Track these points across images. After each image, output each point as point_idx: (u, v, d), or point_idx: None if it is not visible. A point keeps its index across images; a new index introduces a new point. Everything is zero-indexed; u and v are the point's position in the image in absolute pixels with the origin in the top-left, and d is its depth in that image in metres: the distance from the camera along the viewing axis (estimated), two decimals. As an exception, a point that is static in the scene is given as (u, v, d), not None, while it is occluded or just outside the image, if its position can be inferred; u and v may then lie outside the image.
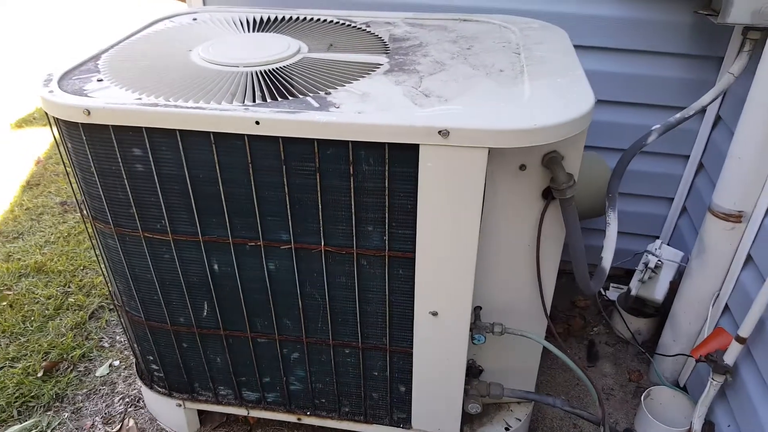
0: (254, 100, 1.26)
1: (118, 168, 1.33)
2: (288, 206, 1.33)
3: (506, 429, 1.77)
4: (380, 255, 1.37)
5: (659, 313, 2.25)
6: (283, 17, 1.82)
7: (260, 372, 1.67)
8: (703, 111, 1.83)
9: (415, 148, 1.18)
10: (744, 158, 1.61)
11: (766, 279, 1.49)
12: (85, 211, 1.50)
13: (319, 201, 1.31)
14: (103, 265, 1.61)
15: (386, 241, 1.35)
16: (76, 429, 1.94)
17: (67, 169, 1.46)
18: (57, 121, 1.33)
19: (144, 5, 7.11)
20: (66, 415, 2.00)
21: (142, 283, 1.54)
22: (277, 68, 1.43)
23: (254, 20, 1.79)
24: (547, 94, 1.27)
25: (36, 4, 7.48)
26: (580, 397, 2.10)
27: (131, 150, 1.30)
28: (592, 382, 1.60)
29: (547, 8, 2.01)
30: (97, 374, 2.15)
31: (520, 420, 1.80)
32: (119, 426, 1.95)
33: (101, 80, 1.38)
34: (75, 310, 2.43)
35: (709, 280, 1.83)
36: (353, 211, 1.31)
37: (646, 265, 2.14)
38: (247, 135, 1.23)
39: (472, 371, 1.72)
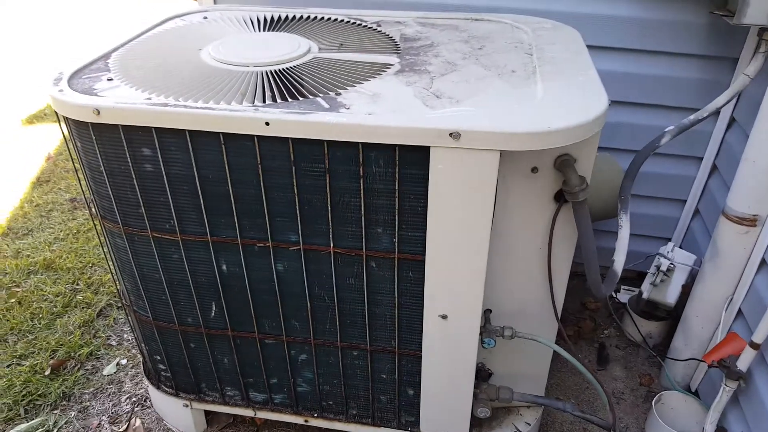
0: (264, 101, 1.25)
1: (128, 168, 1.32)
2: (297, 207, 1.32)
3: (515, 433, 1.76)
4: (390, 257, 1.36)
5: (671, 316, 2.23)
6: (294, 16, 1.81)
7: (268, 373, 1.66)
8: (717, 113, 1.81)
9: (425, 150, 1.17)
10: (759, 162, 1.59)
11: (782, 284, 1.47)
12: (94, 210, 1.49)
13: (329, 202, 1.29)
14: (111, 265, 1.61)
15: (396, 243, 1.33)
16: (83, 428, 1.95)
17: (77, 167, 1.45)
18: (67, 120, 1.33)
19: (145, 3, 7.12)
20: (73, 414, 2.00)
21: (150, 283, 1.53)
22: (287, 68, 1.41)
23: (265, 19, 1.78)
24: (560, 96, 1.25)
25: (40, 1, 7.51)
26: (590, 401, 2.08)
27: (141, 150, 1.29)
28: (603, 387, 1.58)
29: (559, 8, 1.99)
30: (105, 373, 2.15)
31: (529, 424, 1.79)
32: (126, 425, 1.95)
33: (111, 79, 1.38)
34: (83, 307, 2.43)
35: (722, 285, 1.81)
36: (363, 212, 1.30)
37: (658, 268, 2.11)
38: (257, 136, 1.22)
39: (482, 375, 1.70)
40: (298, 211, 1.32)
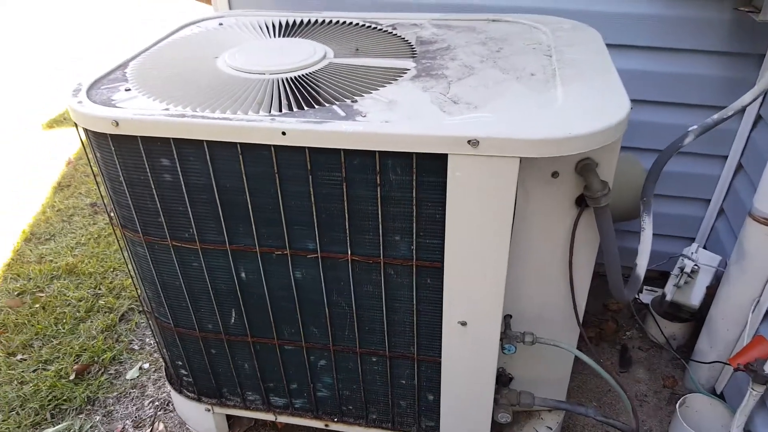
0: (281, 109, 1.24)
1: (147, 178, 1.33)
2: (314, 216, 1.31)
3: (536, 437, 1.75)
4: (408, 264, 1.35)
5: (694, 317, 2.19)
6: (309, 20, 1.80)
7: (287, 378, 1.66)
8: (742, 111, 1.77)
9: (443, 157, 1.16)
10: (787, 161, 1.55)
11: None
12: (114, 220, 1.51)
13: (346, 210, 1.29)
14: (132, 272, 1.62)
15: (414, 251, 1.32)
16: (107, 432, 1.98)
17: (97, 178, 1.47)
18: (86, 130, 1.34)
19: (145, 2, 7.18)
20: (97, 418, 2.03)
21: (170, 291, 1.54)
22: (303, 75, 1.41)
23: (280, 24, 1.78)
24: (580, 100, 1.23)
25: (44, 2, 7.59)
26: (612, 404, 2.05)
27: (159, 160, 1.30)
28: (626, 391, 1.56)
29: (579, 6, 1.95)
30: (128, 377, 2.17)
31: (551, 428, 1.77)
32: (149, 429, 1.97)
33: (129, 89, 1.38)
34: (105, 312, 2.46)
35: (748, 287, 1.77)
36: (380, 220, 1.29)
37: (681, 269, 2.08)
38: (274, 145, 1.22)
39: (502, 380, 1.69)
40: (315, 220, 1.32)
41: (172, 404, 2.05)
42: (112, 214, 1.51)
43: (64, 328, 2.37)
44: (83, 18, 6.92)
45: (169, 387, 1.87)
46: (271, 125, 1.18)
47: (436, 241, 1.29)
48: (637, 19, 1.93)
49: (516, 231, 1.38)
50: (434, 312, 1.42)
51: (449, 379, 1.53)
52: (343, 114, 1.22)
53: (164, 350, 1.75)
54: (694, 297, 2.07)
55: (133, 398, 2.10)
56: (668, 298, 2.14)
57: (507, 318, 1.57)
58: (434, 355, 1.50)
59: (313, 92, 1.32)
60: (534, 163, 1.28)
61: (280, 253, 1.40)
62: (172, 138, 1.25)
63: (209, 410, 1.80)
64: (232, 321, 1.56)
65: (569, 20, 1.74)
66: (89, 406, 2.08)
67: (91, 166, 1.43)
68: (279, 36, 1.69)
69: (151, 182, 1.34)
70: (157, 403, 2.08)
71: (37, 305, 2.49)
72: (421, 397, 1.61)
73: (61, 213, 3.18)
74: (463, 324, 1.40)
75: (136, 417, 2.03)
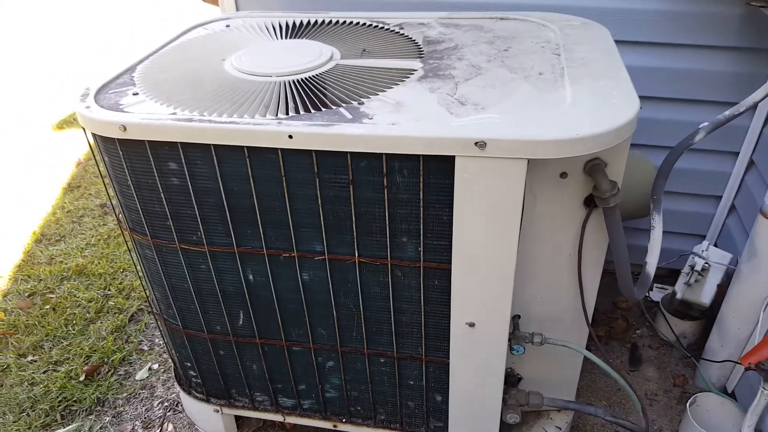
0: (287, 113, 1.24)
1: (155, 182, 1.33)
2: (321, 218, 1.31)
3: (546, 437, 1.74)
4: (415, 266, 1.35)
5: (705, 315, 2.17)
6: (316, 21, 1.80)
7: (296, 379, 1.67)
8: (754, 107, 1.75)
9: (450, 159, 1.15)
10: (799, 159, 1.53)
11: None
12: (123, 223, 1.51)
13: (353, 213, 1.29)
14: (141, 275, 1.63)
15: (421, 252, 1.32)
16: (118, 433, 1.99)
17: (105, 181, 1.47)
18: (94, 135, 1.34)
19: (145, 2, 7.19)
20: (107, 419, 2.04)
21: (179, 293, 1.55)
22: (309, 77, 1.41)
23: (287, 25, 1.78)
24: (589, 100, 1.22)
25: (44, 2, 7.62)
26: (622, 403, 2.04)
27: (167, 164, 1.30)
28: (636, 392, 1.55)
29: (588, 3, 1.94)
30: (137, 378, 2.18)
31: (560, 428, 1.76)
32: (158, 430, 1.98)
33: (137, 94, 1.39)
34: (115, 313, 2.48)
35: (760, 285, 1.75)
36: (387, 222, 1.28)
37: (692, 267, 2.06)
38: (281, 149, 1.21)
39: (511, 380, 1.68)
40: (322, 222, 1.32)
41: (181, 405, 2.06)
42: (121, 217, 1.51)
43: (74, 329, 2.39)
44: (83, 18, 6.94)
45: (178, 388, 1.88)
46: (278, 128, 1.18)
47: (444, 242, 1.29)
48: (648, 14, 1.91)
49: (524, 232, 1.37)
50: (442, 313, 1.41)
51: (457, 380, 1.53)
52: (349, 116, 1.21)
53: (173, 352, 1.76)
54: (705, 295, 2.06)
55: (142, 399, 2.11)
56: (679, 296, 2.12)
57: (515, 318, 1.56)
58: (442, 356, 1.49)
59: (320, 94, 1.32)
60: (542, 163, 1.27)
61: (287, 255, 1.40)
62: (180, 142, 1.25)
63: (218, 411, 1.80)
64: (240, 323, 1.56)
65: (578, 17, 1.72)
66: (99, 407, 2.09)
67: (99, 169, 1.44)
68: (286, 37, 1.69)
69: (159, 186, 1.34)
70: (166, 403, 2.09)
71: (48, 306, 2.51)
72: (429, 397, 1.61)
73: (71, 214, 3.20)
74: (471, 325, 1.40)
75: (145, 418, 2.04)
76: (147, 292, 1.70)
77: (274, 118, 1.22)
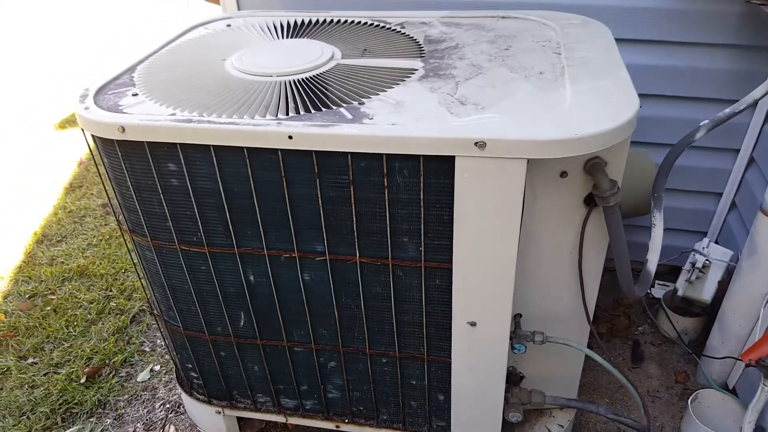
0: (287, 113, 1.24)
1: (154, 183, 1.33)
2: (322, 218, 1.31)
3: (548, 436, 1.74)
4: (416, 266, 1.34)
5: (706, 312, 2.17)
6: (317, 20, 1.79)
7: (298, 380, 1.67)
8: (754, 105, 1.75)
9: (450, 159, 1.15)
10: (800, 156, 1.53)
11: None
12: (123, 224, 1.51)
13: (354, 213, 1.28)
14: (141, 276, 1.62)
15: (422, 252, 1.32)
16: (119, 435, 1.99)
17: (104, 184, 1.47)
18: (93, 136, 1.34)
19: (144, 2, 7.18)
20: (108, 421, 2.04)
21: (179, 294, 1.55)
22: (310, 77, 1.40)
23: (288, 24, 1.77)
24: (588, 100, 1.22)
25: (44, 2, 7.61)
26: (625, 400, 2.05)
27: (166, 165, 1.30)
28: (637, 389, 1.55)
29: (589, 2, 1.93)
30: (139, 379, 2.18)
31: (562, 426, 1.76)
32: (161, 432, 1.98)
33: (136, 94, 1.38)
34: (116, 314, 2.48)
35: (760, 282, 1.75)
36: (388, 222, 1.28)
37: (693, 264, 2.06)
38: (281, 149, 1.21)
39: (513, 378, 1.68)
40: (323, 222, 1.32)
41: (183, 407, 2.06)
42: (121, 219, 1.51)
43: (75, 331, 2.39)
44: (83, 18, 6.93)
45: (179, 389, 1.88)
46: (278, 129, 1.18)
47: (445, 242, 1.29)
48: (648, 12, 1.91)
49: (525, 231, 1.37)
50: (443, 313, 1.41)
51: (459, 380, 1.52)
52: (350, 116, 1.21)
53: (174, 353, 1.76)
54: (706, 292, 2.06)
55: (144, 401, 2.11)
56: (680, 293, 2.12)
57: (517, 317, 1.56)
58: (444, 355, 1.49)
59: (320, 94, 1.32)
60: (542, 163, 1.27)
61: (288, 255, 1.40)
62: (179, 143, 1.25)
63: (220, 412, 1.80)
64: (241, 324, 1.56)
65: (579, 16, 1.72)
66: (100, 410, 2.09)
67: (99, 171, 1.43)
68: (287, 37, 1.69)
69: (159, 187, 1.34)
70: (168, 405, 2.09)
71: (49, 308, 2.51)
72: (431, 397, 1.61)
73: (73, 214, 3.20)
74: (473, 324, 1.40)
75: (147, 420, 2.04)
76: (147, 293, 1.70)
77: (274, 118, 1.22)
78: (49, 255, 2.85)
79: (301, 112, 1.24)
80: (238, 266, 1.44)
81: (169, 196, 1.35)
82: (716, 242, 2.25)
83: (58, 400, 2.10)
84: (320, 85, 1.36)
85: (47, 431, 2.01)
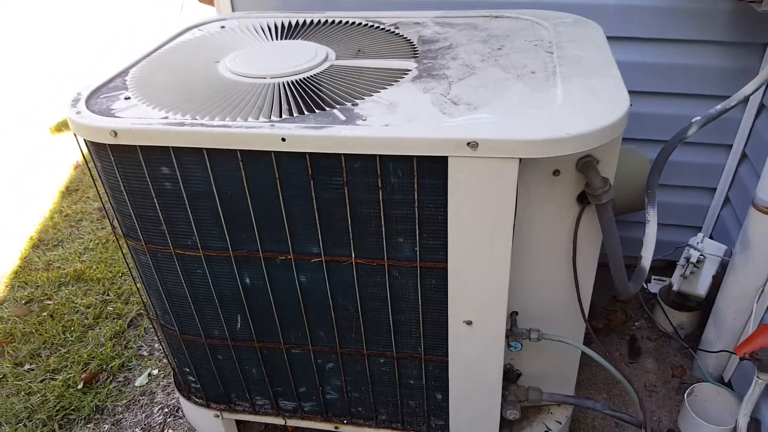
0: (281, 115, 1.24)
1: (147, 187, 1.33)
2: (317, 220, 1.31)
3: (546, 432, 1.75)
4: (412, 266, 1.35)
5: (702, 306, 2.18)
6: (312, 21, 1.79)
7: (296, 382, 1.67)
8: (745, 101, 1.76)
9: (443, 159, 1.15)
10: (791, 150, 1.54)
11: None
12: (117, 229, 1.51)
13: (348, 214, 1.29)
14: (135, 280, 1.62)
15: (417, 252, 1.32)
16: (117, 440, 1.99)
17: (98, 188, 1.47)
18: (86, 141, 1.34)
19: (144, 2, 7.16)
20: (106, 427, 2.04)
21: (175, 298, 1.55)
22: (304, 78, 1.40)
23: (282, 25, 1.77)
24: (579, 99, 1.22)
25: (44, 2, 7.58)
26: (622, 395, 2.05)
27: (159, 169, 1.30)
28: (633, 385, 1.56)
29: (581, 0, 1.94)
30: (137, 384, 2.18)
31: (560, 422, 1.77)
32: (159, 436, 1.98)
33: (128, 98, 1.38)
34: (114, 318, 2.47)
35: (753, 276, 1.76)
36: (383, 223, 1.29)
37: (687, 260, 2.07)
38: (274, 152, 1.21)
39: (510, 376, 1.69)
40: (318, 224, 1.32)
41: (182, 411, 2.05)
42: (115, 223, 1.51)
43: (72, 336, 2.38)
44: (83, 18, 6.91)
45: (177, 393, 1.88)
46: (271, 132, 1.18)
47: (440, 242, 1.29)
48: (640, 10, 1.92)
49: (519, 229, 1.38)
50: (440, 312, 1.41)
51: (457, 378, 1.53)
52: (343, 118, 1.21)
53: (171, 357, 1.76)
54: (701, 286, 2.07)
55: (142, 405, 2.11)
56: (675, 288, 2.13)
57: (513, 315, 1.56)
58: (441, 354, 1.50)
59: (314, 96, 1.32)
60: (535, 161, 1.28)
61: (283, 258, 1.40)
62: (172, 147, 1.25)
63: (218, 416, 1.80)
64: (238, 327, 1.56)
65: (571, 15, 1.72)
66: (98, 415, 2.08)
67: (92, 175, 1.43)
68: (281, 38, 1.69)
69: (152, 191, 1.34)
70: (166, 409, 2.09)
71: (45, 313, 2.50)
72: (429, 396, 1.61)
73: (69, 218, 3.19)
74: (469, 323, 1.40)
75: (145, 424, 2.04)
76: (143, 297, 1.69)
77: (267, 120, 1.22)
78: (45, 260, 2.84)
79: (295, 114, 1.24)
80: (234, 269, 1.44)
81: (163, 199, 1.35)
82: (711, 237, 2.26)
83: (56, 406, 2.09)
84: (314, 86, 1.37)
85: (45, 438, 2.01)
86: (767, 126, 1.89)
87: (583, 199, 1.33)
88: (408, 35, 1.66)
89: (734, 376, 1.93)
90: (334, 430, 1.76)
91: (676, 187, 2.25)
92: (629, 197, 1.87)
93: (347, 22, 1.77)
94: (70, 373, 2.21)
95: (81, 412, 2.08)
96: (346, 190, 1.25)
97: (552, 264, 1.46)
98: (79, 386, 2.16)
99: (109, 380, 2.20)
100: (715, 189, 2.22)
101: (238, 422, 1.91)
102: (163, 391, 2.16)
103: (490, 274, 1.31)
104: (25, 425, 2.04)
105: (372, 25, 1.74)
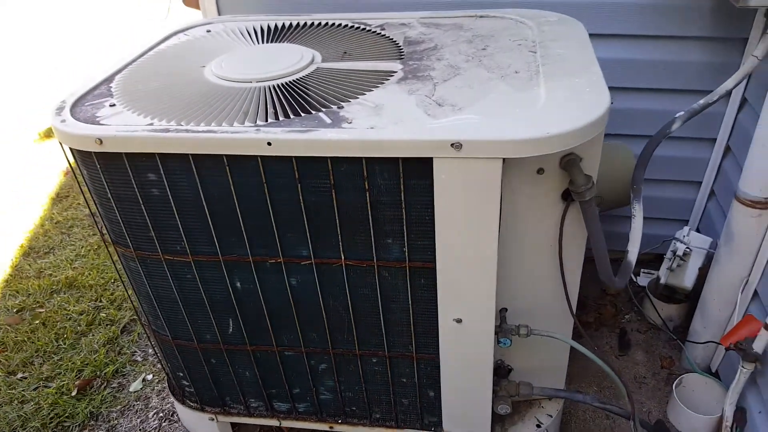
0: (266, 119, 1.25)
1: (134, 193, 1.33)
2: (305, 223, 1.32)
3: (538, 426, 1.76)
4: (401, 266, 1.36)
5: (689, 298, 2.21)
6: (298, 24, 1.79)
7: (289, 384, 1.68)
8: (728, 95, 1.78)
9: (429, 160, 1.16)
10: (771, 144, 1.56)
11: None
12: (106, 236, 1.51)
13: (336, 217, 1.30)
14: (126, 287, 1.62)
15: (406, 253, 1.33)
16: (112, 446, 1.99)
17: (85, 196, 1.47)
18: (71, 149, 1.34)
19: (144, 2, 7.12)
20: (101, 432, 2.05)
21: (166, 303, 1.55)
22: (289, 82, 1.41)
23: (269, 28, 1.77)
24: (562, 98, 1.24)
25: (44, 2, 7.53)
26: (613, 388, 2.08)
27: (146, 175, 1.30)
28: (621, 378, 1.58)
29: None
30: (131, 389, 2.18)
31: (551, 416, 1.79)
32: (155, 441, 1.98)
33: (114, 105, 1.38)
34: (107, 324, 2.47)
35: (737, 267, 1.79)
36: (371, 224, 1.30)
37: (674, 253, 2.09)
38: (260, 156, 1.22)
39: (501, 371, 1.70)
40: (306, 227, 1.33)
41: (177, 415, 2.06)
42: (103, 230, 1.51)
43: (65, 344, 2.38)
44: (83, 18, 6.87)
45: (172, 398, 1.88)
46: (256, 136, 1.19)
47: (428, 241, 1.30)
48: (622, 7, 1.94)
49: (505, 227, 1.39)
50: (430, 311, 1.43)
51: (448, 375, 1.54)
52: (329, 121, 1.22)
53: (164, 362, 1.76)
54: (687, 279, 2.09)
55: (137, 411, 2.11)
56: (663, 281, 2.16)
57: (503, 311, 1.58)
58: (432, 352, 1.51)
59: (300, 99, 1.32)
60: (519, 161, 1.29)
61: (273, 261, 1.41)
62: (157, 153, 1.25)
63: (213, 419, 1.81)
64: (230, 331, 1.57)
65: (555, 13, 1.73)
66: (92, 422, 2.08)
67: (79, 184, 1.43)
68: (267, 41, 1.69)
69: (139, 197, 1.34)
70: (161, 414, 2.09)
71: (37, 321, 2.49)
72: (422, 394, 1.63)
73: (60, 225, 3.17)
74: (459, 321, 1.42)
75: (140, 430, 2.04)
76: (135, 304, 1.70)
77: (252, 125, 1.23)
78: (36, 267, 2.83)
79: (281, 118, 1.25)
80: (224, 274, 1.45)
81: (151, 206, 1.35)
82: (697, 230, 2.29)
83: (49, 414, 2.09)
84: (300, 89, 1.37)
85: (39, 446, 2.01)
86: (750, 119, 1.91)
87: (567, 197, 1.34)
88: (394, 36, 1.67)
89: (721, 366, 1.95)
90: (328, 430, 1.77)
91: (663, 181, 2.28)
92: (616, 193, 1.88)
93: (333, 24, 1.78)
94: (64, 381, 2.21)
95: (75, 419, 2.08)
96: (333, 193, 1.26)
97: (539, 260, 1.47)
98: (73, 393, 2.16)
99: (103, 386, 2.20)
100: (700, 182, 2.25)
101: (234, 425, 1.91)
102: (157, 395, 2.16)
103: (478, 272, 1.32)
104: (18, 434, 2.04)
105: (358, 27, 1.75)
